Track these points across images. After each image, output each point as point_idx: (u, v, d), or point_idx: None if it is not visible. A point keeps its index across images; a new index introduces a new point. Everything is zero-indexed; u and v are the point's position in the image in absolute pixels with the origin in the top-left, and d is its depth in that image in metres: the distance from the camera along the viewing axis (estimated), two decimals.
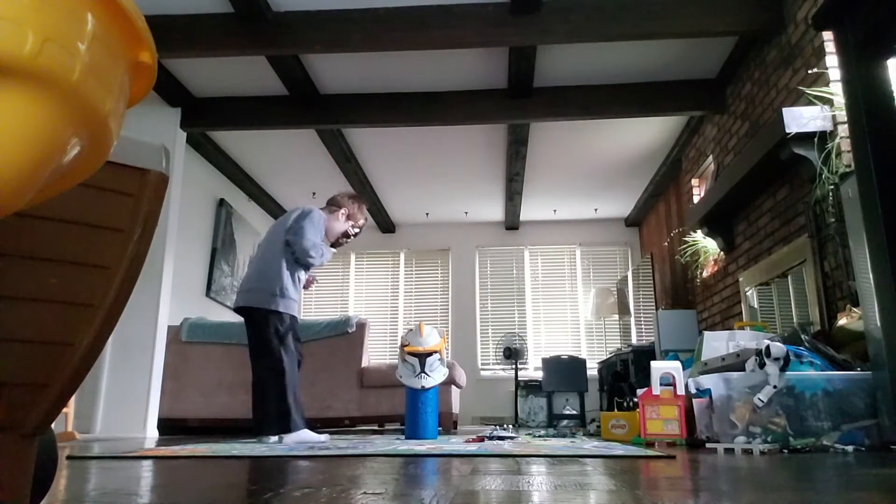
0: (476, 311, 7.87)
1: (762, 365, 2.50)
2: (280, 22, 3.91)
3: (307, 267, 3.41)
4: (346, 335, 4.75)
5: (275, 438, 3.13)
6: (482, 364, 7.71)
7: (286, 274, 3.32)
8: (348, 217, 3.61)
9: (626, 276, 6.89)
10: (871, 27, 2.25)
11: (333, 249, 3.58)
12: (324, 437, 3.18)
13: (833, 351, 2.67)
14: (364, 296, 8.11)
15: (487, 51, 4.31)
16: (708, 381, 2.59)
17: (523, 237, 8.06)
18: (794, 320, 3.51)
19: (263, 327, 3.25)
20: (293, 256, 3.33)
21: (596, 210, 7.59)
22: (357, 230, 3.66)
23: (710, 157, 4.91)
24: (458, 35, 3.87)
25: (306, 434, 3.14)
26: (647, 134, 5.59)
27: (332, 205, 3.63)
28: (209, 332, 4.87)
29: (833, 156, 3.05)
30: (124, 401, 4.39)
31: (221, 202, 6.25)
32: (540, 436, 3.68)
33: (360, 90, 4.83)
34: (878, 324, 2.25)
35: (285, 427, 3.12)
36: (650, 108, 4.72)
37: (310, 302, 8.15)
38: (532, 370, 7.49)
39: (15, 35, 0.36)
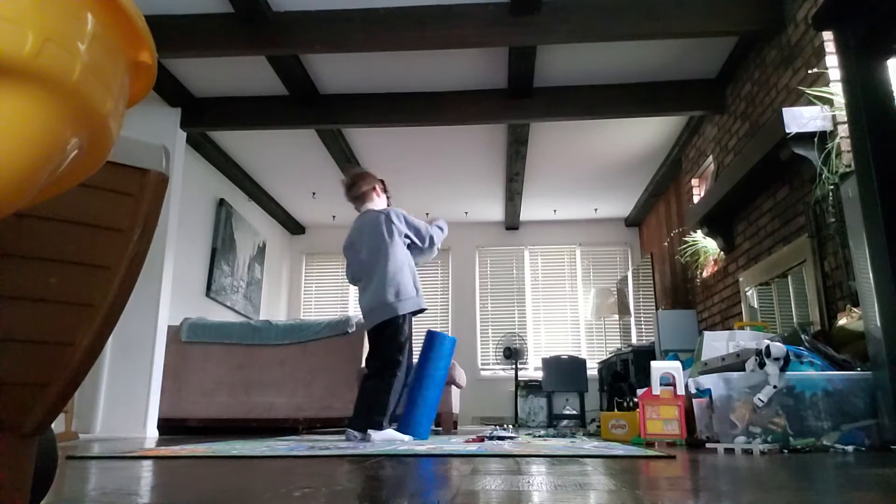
0: (476, 311, 7.87)
1: (762, 365, 2.50)
2: (280, 22, 3.91)
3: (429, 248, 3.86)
4: (345, 335, 4.75)
5: (359, 435, 3.20)
6: (482, 364, 7.71)
7: (398, 278, 3.67)
8: (384, 190, 3.75)
9: (626, 276, 6.89)
10: (871, 27, 2.25)
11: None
12: (407, 437, 3.25)
13: (833, 351, 2.67)
14: None
15: (487, 51, 4.31)
16: (708, 381, 2.59)
17: (523, 237, 8.06)
18: (794, 320, 3.51)
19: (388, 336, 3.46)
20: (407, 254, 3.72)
21: (596, 210, 7.60)
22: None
23: (710, 157, 4.91)
24: (458, 35, 3.87)
25: (391, 433, 3.23)
26: (647, 134, 5.59)
27: (365, 191, 3.64)
28: (209, 332, 4.87)
29: (833, 156, 3.05)
30: (124, 401, 4.39)
31: (221, 202, 6.25)
32: (540, 436, 3.68)
33: (360, 90, 4.83)
34: (878, 324, 2.25)
35: (376, 424, 3.19)
36: (650, 108, 4.72)
37: (310, 302, 8.15)
38: (532, 370, 7.49)
39: (15, 35, 0.36)
